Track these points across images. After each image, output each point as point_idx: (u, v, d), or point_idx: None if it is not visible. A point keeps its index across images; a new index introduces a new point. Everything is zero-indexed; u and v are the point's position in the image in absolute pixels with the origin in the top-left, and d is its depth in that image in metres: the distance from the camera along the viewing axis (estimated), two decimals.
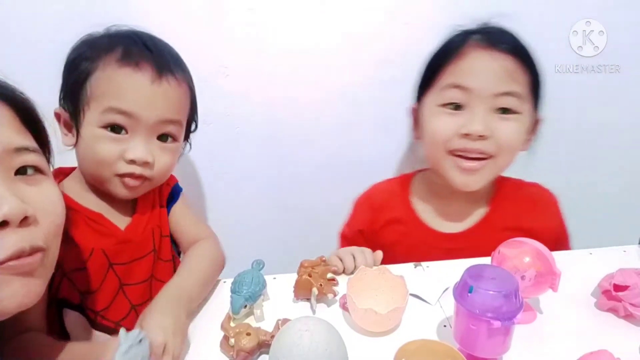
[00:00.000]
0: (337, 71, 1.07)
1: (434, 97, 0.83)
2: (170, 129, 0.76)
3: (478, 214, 0.90)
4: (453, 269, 0.79)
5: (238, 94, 1.07)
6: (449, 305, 0.70)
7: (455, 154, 0.81)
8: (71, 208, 0.75)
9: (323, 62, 1.06)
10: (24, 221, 0.50)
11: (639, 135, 1.20)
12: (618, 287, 0.67)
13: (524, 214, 0.88)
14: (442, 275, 0.77)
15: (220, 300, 0.74)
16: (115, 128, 0.72)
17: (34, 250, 0.51)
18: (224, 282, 0.79)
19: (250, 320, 0.69)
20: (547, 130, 0.89)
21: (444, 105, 0.81)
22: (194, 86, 0.83)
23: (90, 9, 0.95)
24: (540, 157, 0.95)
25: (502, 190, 0.90)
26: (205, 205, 1.17)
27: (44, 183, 0.56)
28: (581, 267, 0.78)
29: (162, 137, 0.76)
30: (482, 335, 0.56)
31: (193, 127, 0.88)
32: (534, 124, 0.85)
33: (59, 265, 0.71)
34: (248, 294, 0.68)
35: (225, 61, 1.03)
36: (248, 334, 0.62)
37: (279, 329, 0.61)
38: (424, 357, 0.56)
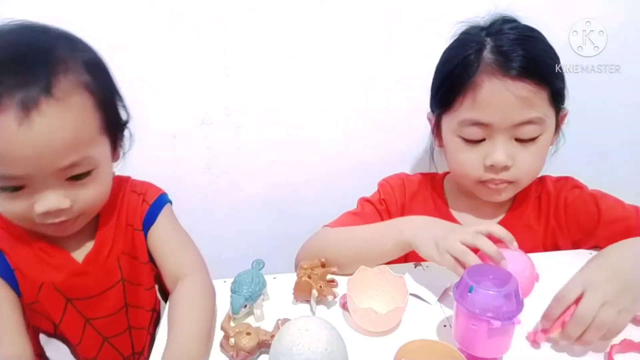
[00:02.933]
0: (336, 71, 1.07)
1: (452, 123, 0.81)
2: (76, 170, 0.59)
3: (502, 211, 0.90)
4: None
5: (238, 94, 1.07)
6: (449, 305, 0.71)
7: (482, 183, 0.82)
8: (18, 238, 0.66)
9: (323, 63, 1.06)
10: None
11: (639, 135, 1.20)
12: None
13: (543, 210, 0.89)
14: (442, 275, 0.77)
15: (220, 300, 0.74)
16: (9, 187, 0.58)
17: None
18: (224, 282, 0.79)
19: (250, 320, 0.69)
20: None
21: (465, 139, 0.80)
22: (101, 78, 0.63)
23: (89, 7, 0.95)
24: None
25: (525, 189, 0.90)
26: (205, 205, 1.17)
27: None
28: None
29: (74, 177, 0.60)
30: (482, 335, 0.56)
31: (125, 117, 0.69)
32: (558, 123, 0.84)
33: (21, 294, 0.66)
34: (248, 293, 0.68)
35: (225, 61, 1.03)
36: (248, 334, 0.62)
37: (279, 328, 0.61)
38: (424, 357, 0.56)
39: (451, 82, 0.79)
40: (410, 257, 0.85)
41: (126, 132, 0.70)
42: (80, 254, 0.69)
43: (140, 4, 0.96)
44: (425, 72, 0.88)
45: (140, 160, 1.10)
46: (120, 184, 0.74)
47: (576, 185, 0.89)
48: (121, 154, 0.70)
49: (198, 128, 1.08)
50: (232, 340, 0.61)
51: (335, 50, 1.05)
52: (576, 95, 1.12)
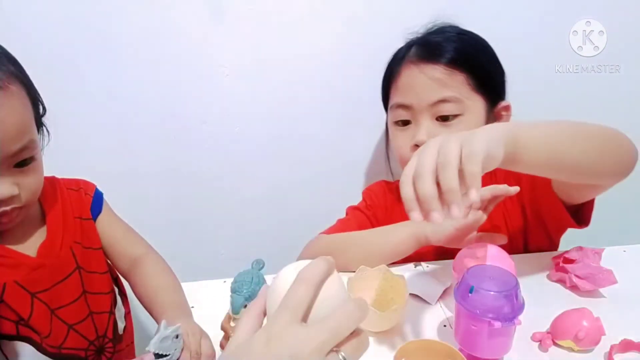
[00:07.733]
0: (336, 71, 1.07)
1: (389, 115, 0.90)
2: (24, 154, 0.63)
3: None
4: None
5: (238, 94, 1.07)
6: (449, 306, 0.71)
7: None
8: None
9: (323, 62, 1.06)
10: None
11: (639, 135, 1.20)
12: (567, 261, 0.73)
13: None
14: (442, 275, 0.77)
15: (220, 300, 0.74)
16: None
17: None
18: (224, 282, 0.79)
19: None
20: None
21: (396, 122, 0.88)
22: (22, 70, 0.66)
23: (89, 6, 0.95)
24: None
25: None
26: (205, 205, 1.17)
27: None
28: None
29: (20, 164, 0.63)
30: (483, 336, 0.56)
31: (41, 111, 0.71)
32: (498, 113, 0.86)
33: None
34: (248, 293, 0.67)
35: (225, 61, 1.03)
36: None
37: None
38: (424, 357, 0.56)
39: (385, 81, 0.91)
40: (409, 257, 0.85)
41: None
42: (31, 250, 0.72)
43: (140, 3, 0.96)
44: None
45: (140, 160, 1.10)
46: (53, 182, 0.79)
47: None
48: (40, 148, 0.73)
49: (198, 128, 1.08)
50: None
51: (335, 49, 1.05)
52: (576, 95, 1.13)
